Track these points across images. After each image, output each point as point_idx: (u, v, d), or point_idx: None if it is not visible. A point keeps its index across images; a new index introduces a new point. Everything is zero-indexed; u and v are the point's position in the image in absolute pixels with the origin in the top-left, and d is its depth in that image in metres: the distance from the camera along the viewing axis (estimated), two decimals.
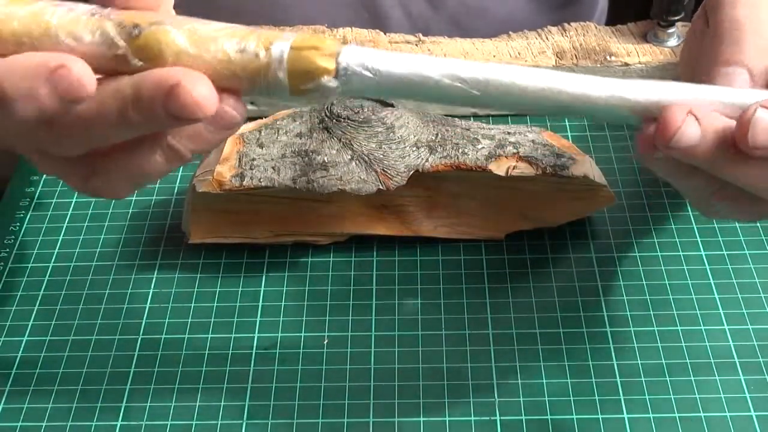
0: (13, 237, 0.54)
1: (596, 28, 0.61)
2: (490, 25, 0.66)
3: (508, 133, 0.50)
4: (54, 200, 0.56)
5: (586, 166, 0.49)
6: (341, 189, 0.47)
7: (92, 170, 0.34)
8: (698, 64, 0.41)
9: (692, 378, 0.45)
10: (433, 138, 0.49)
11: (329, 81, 0.31)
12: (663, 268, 0.50)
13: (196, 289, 0.50)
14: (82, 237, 0.54)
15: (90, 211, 0.55)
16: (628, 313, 0.48)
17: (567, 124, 0.60)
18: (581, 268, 0.51)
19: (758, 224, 0.52)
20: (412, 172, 0.48)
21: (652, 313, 0.48)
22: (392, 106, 0.50)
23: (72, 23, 0.31)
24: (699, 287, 0.49)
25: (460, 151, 0.48)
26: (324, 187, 0.47)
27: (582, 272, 0.50)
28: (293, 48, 0.31)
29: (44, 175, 0.58)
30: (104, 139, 0.33)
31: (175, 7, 0.36)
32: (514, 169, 0.48)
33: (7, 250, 0.53)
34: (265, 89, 0.31)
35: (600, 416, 0.43)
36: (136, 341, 0.48)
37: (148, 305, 0.50)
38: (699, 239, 0.52)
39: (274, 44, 0.31)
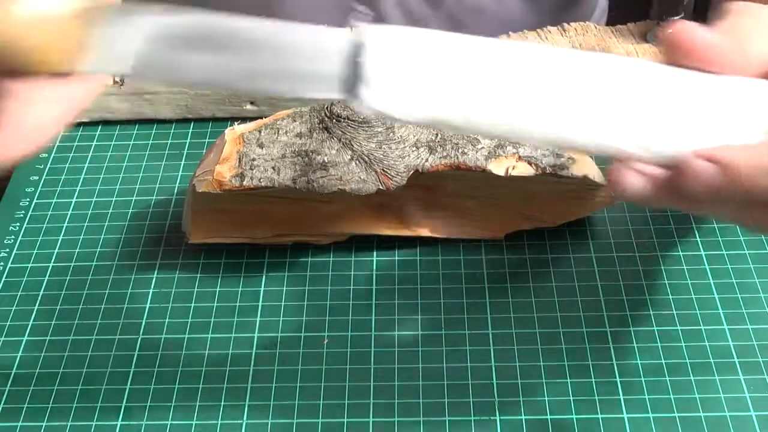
0: (13, 237, 0.54)
1: (596, 28, 0.61)
2: (490, 24, 0.66)
3: None
4: (54, 200, 0.56)
5: (586, 166, 0.49)
6: (341, 189, 0.47)
7: None
8: None
9: (692, 378, 0.45)
10: (433, 138, 0.49)
11: None
12: (663, 268, 0.50)
13: (196, 289, 0.50)
14: (82, 237, 0.54)
15: (90, 211, 0.55)
16: (628, 313, 0.48)
17: None
18: (581, 268, 0.51)
19: None
20: (411, 172, 0.48)
21: (651, 313, 0.48)
22: None
23: None
24: (699, 287, 0.49)
25: (460, 151, 0.48)
26: (324, 187, 0.47)
27: (582, 272, 0.50)
28: None
29: (44, 175, 0.58)
30: None
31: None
32: (513, 169, 0.48)
33: (7, 250, 0.53)
34: None
35: (600, 416, 0.43)
36: (136, 341, 0.48)
37: (148, 305, 0.50)
38: (699, 239, 0.52)
39: None
